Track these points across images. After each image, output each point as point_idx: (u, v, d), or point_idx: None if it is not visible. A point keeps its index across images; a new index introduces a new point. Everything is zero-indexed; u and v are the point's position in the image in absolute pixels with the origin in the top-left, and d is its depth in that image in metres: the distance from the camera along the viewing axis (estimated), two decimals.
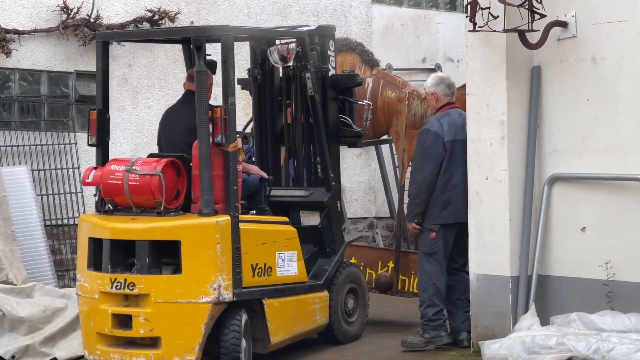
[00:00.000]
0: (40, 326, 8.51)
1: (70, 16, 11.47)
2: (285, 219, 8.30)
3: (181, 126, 7.97)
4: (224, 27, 7.87)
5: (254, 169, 8.34)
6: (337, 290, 8.58)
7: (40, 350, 8.37)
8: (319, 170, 8.67)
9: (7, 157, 11.16)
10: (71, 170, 11.43)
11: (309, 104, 8.55)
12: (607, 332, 7.22)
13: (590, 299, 7.71)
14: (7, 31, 11.20)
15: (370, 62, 10.07)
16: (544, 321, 7.70)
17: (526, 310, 7.82)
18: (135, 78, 12.09)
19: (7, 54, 11.17)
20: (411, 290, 9.32)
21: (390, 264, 9.41)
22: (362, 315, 8.93)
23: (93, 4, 11.70)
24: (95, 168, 7.92)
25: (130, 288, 7.44)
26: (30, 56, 11.44)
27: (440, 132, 8.29)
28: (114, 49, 11.89)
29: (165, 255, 7.52)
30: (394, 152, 13.84)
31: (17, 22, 11.35)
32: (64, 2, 11.49)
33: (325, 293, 8.46)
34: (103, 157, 8.09)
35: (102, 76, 8.14)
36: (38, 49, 11.44)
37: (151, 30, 8.87)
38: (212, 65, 8.28)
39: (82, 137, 11.70)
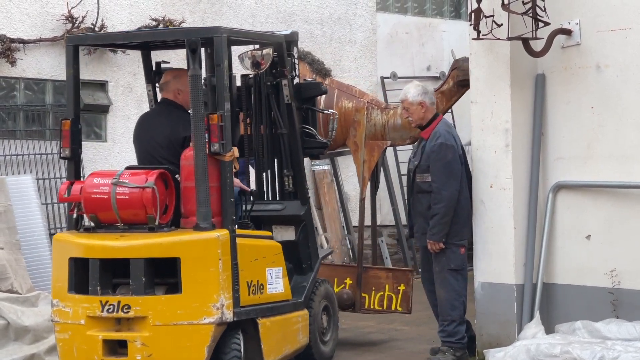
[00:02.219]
0: (45, 335, 8.50)
1: (75, 25, 11.51)
2: (269, 233, 7.88)
3: (159, 137, 7.47)
4: (217, 28, 7.31)
5: (235, 182, 7.67)
6: (315, 308, 8.10)
7: (45, 359, 8.37)
8: (287, 183, 8.17)
9: (12, 166, 11.18)
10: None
11: (277, 113, 8.10)
12: (612, 341, 7.20)
13: (595, 307, 7.69)
14: (12, 40, 11.24)
15: (322, 71, 9.51)
16: (549, 329, 7.69)
17: (531, 318, 7.80)
18: (140, 87, 12.09)
19: (12, 63, 11.20)
20: (372, 307, 9.02)
21: (348, 281, 9.06)
22: (334, 334, 8.43)
23: (98, 13, 11.74)
24: (71, 183, 7.28)
25: (125, 311, 6.86)
26: (35, 65, 11.47)
27: (456, 146, 8.10)
28: (119, 57, 11.92)
29: (158, 275, 7.01)
30: (398, 160, 13.87)
31: (22, 31, 11.39)
32: (69, 12, 11.53)
33: (306, 311, 7.95)
34: (76, 171, 7.46)
35: (74, 83, 7.47)
36: (43, 58, 11.48)
37: (131, 33, 8.06)
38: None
39: (87, 146, 11.73)
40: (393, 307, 8.97)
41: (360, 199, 9.37)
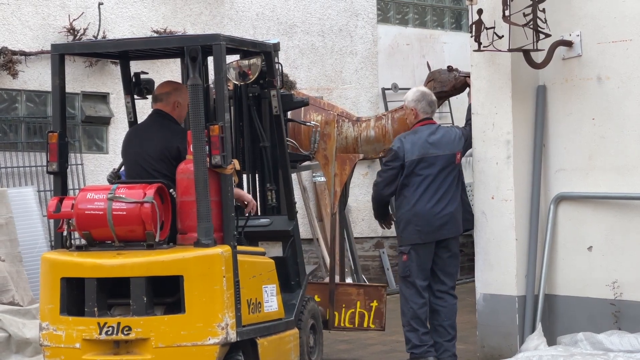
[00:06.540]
0: None
1: (77, 38, 11.52)
2: (262, 249, 7.58)
3: (152, 149, 7.15)
4: (216, 35, 6.94)
5: (237, 193, 7.37)
6: (304, 327, 7.75)
7: None
8: (270, 198, 8.03)
9: (13, 178, 11.19)
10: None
11: (260, 126, 7.95)
12: (614, 352, 7.20)
13: (597, 318, 7.69)
14: (14, 53, 11.25)
15: (287, 83, 9.27)
16: (551, 341, 7.68)
17: (533, 330, 7.80)
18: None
19: (14, 75, 11.21)
20: (342, 324, 8.72)
21: (316, 298, 8.65)
22: (319, 354, 8.08)
23: (99, 25, 11.76)
24: (61, 199, 6.95)
25: (126, 333, 6.55)
26: (37, 77, 11.48)
27: (399, 151, 7.92)
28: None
29: (155, 294, 6.72)
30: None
31: (24, 43, 11.40)
32: (71, 24, 11.55)
33: (297, 330, 7.61)
34: (62, 186, 7.16)
35: (60, 94, 7.15)
36: (45, 70, 11.48)
37: (122, 41, 7.75)
38: (150, 85, 7.68)
39: (88, 158, 11.76)
40: (365, 325, 8.69)
41: (331, 214, 9.19)
